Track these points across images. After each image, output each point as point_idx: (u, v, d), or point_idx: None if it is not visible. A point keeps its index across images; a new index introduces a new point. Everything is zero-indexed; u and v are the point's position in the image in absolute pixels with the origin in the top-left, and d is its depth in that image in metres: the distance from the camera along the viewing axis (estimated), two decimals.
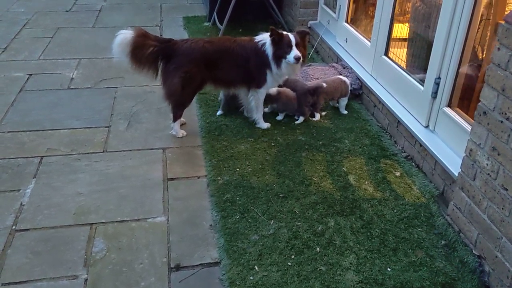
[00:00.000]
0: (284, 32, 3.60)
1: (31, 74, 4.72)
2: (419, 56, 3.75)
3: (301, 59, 3.55)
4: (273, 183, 3.19)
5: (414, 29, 3.91)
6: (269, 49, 3.61)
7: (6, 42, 5.54)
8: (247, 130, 3.85)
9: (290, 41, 3.54)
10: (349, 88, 4.16)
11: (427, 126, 3.42)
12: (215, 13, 6.26)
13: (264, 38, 3.66)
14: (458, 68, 3.09)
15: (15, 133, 3.69)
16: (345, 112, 4.15)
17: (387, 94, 3.93)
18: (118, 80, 4.62)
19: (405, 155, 3.56)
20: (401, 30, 4.04)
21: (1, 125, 3.78)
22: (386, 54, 4.05)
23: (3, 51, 5.27)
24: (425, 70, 3.42)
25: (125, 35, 3.46)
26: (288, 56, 3.54)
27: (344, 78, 4.18)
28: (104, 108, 4.11)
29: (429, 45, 3.38)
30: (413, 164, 3.45)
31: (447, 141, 3.20)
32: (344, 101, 4.15)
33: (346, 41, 4.86)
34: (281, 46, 3.56)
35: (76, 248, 2.62)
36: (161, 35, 5.96)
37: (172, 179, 3.25)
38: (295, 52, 3.52)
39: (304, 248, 2.63)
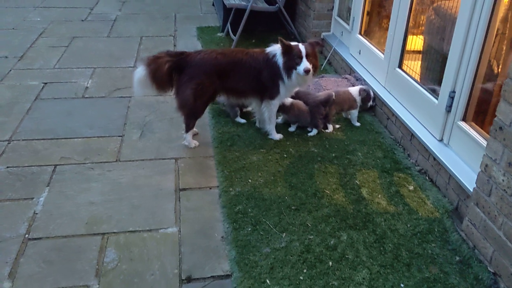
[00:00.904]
0: (294, 43, 3.60)
1: (46, 83, 4.77)
2: (434, 69, 3.72)
3: (311, 70, 3.54)
4: (285, 195, 3.17)
5: (428, 42, 3.89)
6: (279, 60, 3.62)
7: (22, 50, 5.61)
8: (259, 141, 3.85)
9: (300, 52, 3.53)
10: (358, 99, 4.15)
11: (441, 140, 3.39)
12: (228, 24, 6.29)
13: (275, 49, 3.66)
14: (473, 82, 3.07)
15: (29, 141, 3.73)
16: (358, 124, 4.13)
17: (400, 107, 3.91)
18: (132, 89, 4.64)
19: (418, 168, 3.53)
20: (415, 42, 4.02)
21: (16, 133, 3.82)
22: (400, 66, 4.04)
23: (19, 60, 5.34)
24: (439, 83, 3.40)
25: (139, 71, 3.52)
26: (298, 68, 3.53)
27: (352, 91, 4.15)
28: (117, 117, 4.14)
29: (444, 58, 3.36)
30: (427, 178, 3.42)
31: (461, 155, 3.17)
32: (354, 114, 4.14)
33: (360, 53, 4.85)
34: (291, 57, 3.56)
35: (88, 258, 2.62)
36: (175, 45, 6.02)
37: (184, 189, 3.25)
38: (305, 64, 3.51)
39: (316, 262, 2.61)
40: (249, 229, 2.86)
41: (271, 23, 6.43)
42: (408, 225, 2.93)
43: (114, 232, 2.82)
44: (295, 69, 3.55)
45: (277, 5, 5.93)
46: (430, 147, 3.36)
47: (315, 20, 5.74)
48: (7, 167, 3.39)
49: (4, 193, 3.12)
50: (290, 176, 3.39)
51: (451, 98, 3.23)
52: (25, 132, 3.85)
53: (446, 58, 3.29)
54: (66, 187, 3.21)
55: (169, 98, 4.23)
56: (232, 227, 2.87)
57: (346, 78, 4.71)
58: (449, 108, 3.26)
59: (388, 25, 4.22)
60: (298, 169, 3.47)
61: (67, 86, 4.73)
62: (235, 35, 5.96)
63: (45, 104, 4.34)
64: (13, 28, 6.44)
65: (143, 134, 3.90)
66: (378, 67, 4.41)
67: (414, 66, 3.95)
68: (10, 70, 5.05)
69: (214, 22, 7.05)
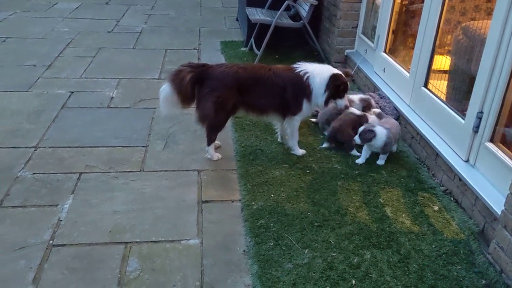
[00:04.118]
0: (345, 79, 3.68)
1: (72, 92, 4.86)
2: (461, 89, 3.69)
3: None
4: (307, 211, 3.15)
5: (455, 62, 3.87)
6: (313, 81, 3.62)
7: (50, 60, 5.73)
8: (282, 156, 3.84)
9: (347, 87, 3.69)
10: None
11: (467, 161, 3.34)
12: (252, 39, 6.34)
13: (306, 69, 3.66)
14: (502, 102, 3.03)
15: (55, 148, 3.78)
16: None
17: (425, 126, 3.87)
18: (156, 101, 4.64)
19: (443, 189, 3.48)
20: (442, 62, 4.00)
21: (43, 141, 3.88)
22: (425, 85, 4.01)
23: (47, 69, 5.45)
24: (466, 103, 3.36)
25: (164, 88, 3.57)
26: (339, 102, 3.71)
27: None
28: (142, 128, 4.18)
29: (472, 78, 3.33)
30: (452, 198, 3.37)
31: (488, 176, 3.12)
32: None
33: (384, 71, 4.84)
34: (339, 92, 3.66)
35: (111, 267, 2.63)
36: (199, 59, 6.08)
37: (206, 201, 3.25)
38: (345, 101, 3.73)
39: (339, 280, 2.57)
40: (271, 244, 2.84)
41: (295, 39, 6.45)
42: (433, 246, 2.88)
43: (137, 242, 2.83)
44: (335, 99, 3.70)
45: (301, 21, 5.96)
46: (456, 168, 3.32)
47: (339, 37, 5.76)
48: (34, 173, 3.44)
49: (30, 200, 3.16)
50: (313, 192, 3.37)
51: (479, 118, 3.19)
52: (52, 140, 3.91)
53: (474, 78, 3.26)
54: (90, 195, 3.24)
55: (193, 110, 4.25)
56: (254, 242, 2.86)
57: (370, 96, 4.69)
58: (476, 129, 3.22)
59: (414, 43, 4.21)
60: (321, 185, 3.45)
61: (93, 95, 4.81)
62: (258, 50, 6.00)
63: (71, 113, 4.41)
64: (42, 38, 6.60)
65: (166, 145, 3.93)
66: (403, 85, 4.39)
67: (440, 85, 3.92)
68: (38, 79, 5.15)
69: (238, 37, 7.12)
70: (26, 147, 3.78)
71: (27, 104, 4.53)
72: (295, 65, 3.72)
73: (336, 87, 3.62)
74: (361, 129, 3.71)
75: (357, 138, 3.71)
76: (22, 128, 4.07)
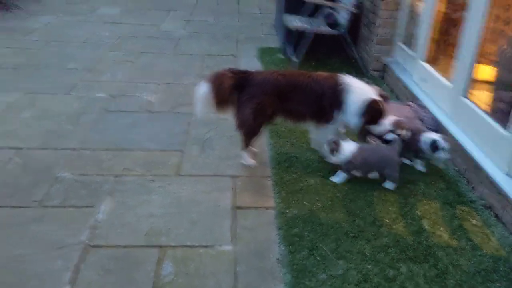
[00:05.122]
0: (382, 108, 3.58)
1: (112, 95, 4.96)
2: (503, 100, 3.59)
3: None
4: (342, 221, 3.12)
5: (499, 72, 3.76)
6: (351, 102, 3.55)
7: (91, 63, 5.88)
8: (316, 164, 3.82)
9: (383, 116, 3.59)
10: None
11: (509, 174, 3.24)
12: (289, 46, 6.34)
13: (347, 82, 3.59)
14: None
15: (94, 150, 3.87)
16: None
17: (465, 137, 3.78)
18: (195, 107, 4.74)
19: (483, 203, 3.38)
20: (484, 72, 3.90)
21: (82, 142, 3.98)
22: (466, 96, 3.92)
23: (88, 72, 5.59)
24: (509, 114, 3.26)
25: (203, 87, 3.58)
26: (376, 127, 3.62)
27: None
28: (179, 133, 4.24)
29: None
30: (492, 213, 3.27)
31: None
32: None
33: (423, 80, 4.75)
34: (375, 120, 3.59)
35: (146, 270, 2.67)
36: (236, 65, 6.10)
37: (240, 207, 3.26)
38: (383, 127, 3.61)
39: None
40: (305, 253, 2.82)
41: (332, 46, 6.40)
42: (472, 262, 2.80)
43: (172, 246, 2.86)
44: (370, 125, 3.61)
45: (340, 28, 5.90)
46: (497, 181, 3.22)
47: (378, 45, 5.70)
48: (73, 174, 3.53)
49: (69, 200, 3.24)
50: (348, 202, 3.33)
51: None
52: (91, 142, 4.00)
53: None
54: (127, 197, 3.30)
55: (229, 116, 4.28)
56: (288, 250, 2.84)
57: (409, 105, 4.61)
58: None
59: (455, 52, 4.11)
60: (357, 195, 3.41)
61: (132, 99, 4.90)
62: (295, 57, 5.99)
63: (111, 116, 4.50)
64: (84, 42, 6.78)
65: (202, 150, 3.96)
66: (443, 95, 4.30)
67: (482, 96, 3.82)
68: (79, 82, 5.29)
69: (275, 44, 7.13)
70: (66, 149, 3.88)
71: (68, 106, 4.66)
72: (338, 75, 3.66)
73: (373, 112, 3.54)
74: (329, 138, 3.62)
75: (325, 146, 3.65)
76: (63, 130, 4.19)
